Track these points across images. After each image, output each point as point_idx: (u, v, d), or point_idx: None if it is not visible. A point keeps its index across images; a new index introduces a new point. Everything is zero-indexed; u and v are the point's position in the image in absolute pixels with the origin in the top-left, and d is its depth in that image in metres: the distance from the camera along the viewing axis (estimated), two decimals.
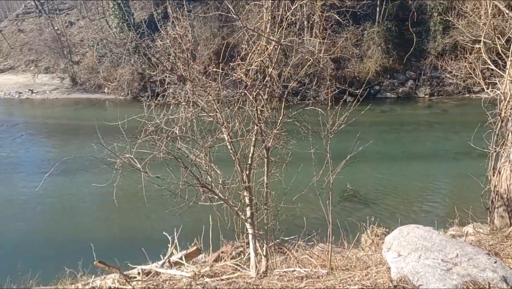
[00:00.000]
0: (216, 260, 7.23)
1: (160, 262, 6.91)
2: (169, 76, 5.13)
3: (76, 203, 13.25)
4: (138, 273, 6.56)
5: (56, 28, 34.11)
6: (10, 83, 33.11)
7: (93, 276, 6.66)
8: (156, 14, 29.62)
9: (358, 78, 25.65)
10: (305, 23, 20.79)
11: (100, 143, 4.82)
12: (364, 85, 5.95)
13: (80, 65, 32.02)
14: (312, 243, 7.19)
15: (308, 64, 5.39)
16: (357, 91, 5.40)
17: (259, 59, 4.90)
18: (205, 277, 5.99)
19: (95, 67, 30.58)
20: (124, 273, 6.34)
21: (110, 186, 5.09)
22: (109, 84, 29.87)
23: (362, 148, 5.59)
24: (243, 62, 5.07)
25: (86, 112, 26.60)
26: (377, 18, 27.79)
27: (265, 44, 5.00)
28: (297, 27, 5.48)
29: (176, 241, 7.19)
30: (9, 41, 40.00)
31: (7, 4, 52.06)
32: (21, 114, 27.05)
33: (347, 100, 5.45)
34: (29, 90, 31.10)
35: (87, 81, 30.76)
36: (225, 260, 7.02)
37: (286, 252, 6.94)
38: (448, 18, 17.65)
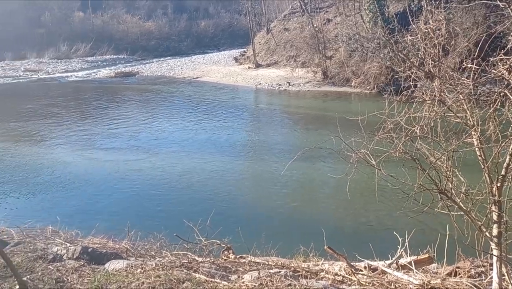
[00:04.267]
0: (449, 274, 6.57)
1: (388, 262, 6.76)
2: (415, 72, 4.89)
3: (313, 189, 14.36)
4: (365, 267, 6.62)
5: (315, 25, 37.15)
6: (272, 76, 38.20)
7: (323, 259, 7.06)
8: (412, 6, 28.40)
9: None
10: None
11: (338, 137, 5.07)
12: None
13: (332, 60, 34.03)
14: None
15: None
16: None
17: None
18: None
19: (345, 61, 31.94)
20: (351, 263, 6.52)
21: (344, 177, 5.29)
22: (356, 78, 30.73)
23: None
24: (507, 57, 4.33)
25: (332, 105, 28.21)
26: None
27: None
28: None
29: (406, 243, 6.88)
30: (276, 39, 46.03)
31: (279, 6, 60.00)
32: (278, 104, 30.85)
33: None
34: (287, 82, 35.08)
35: (337, 75, 32.47)
36: (461, 277, 6.30)
37: None
38: None
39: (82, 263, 4.68)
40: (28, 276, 4.06)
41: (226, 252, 7.35)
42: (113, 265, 4.72)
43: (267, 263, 6.43)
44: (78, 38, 63.40)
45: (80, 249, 5.14)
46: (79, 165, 17.36)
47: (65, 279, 4.10)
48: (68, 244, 6.71)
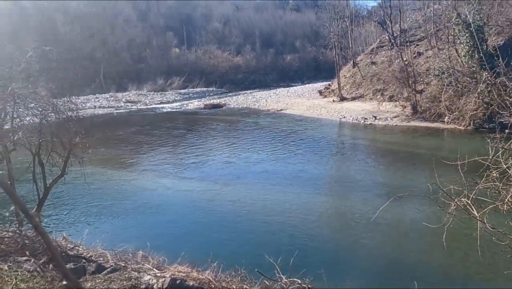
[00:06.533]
0: None
1: None
2: None
3: (403, 234, 13.18)
4: None
5: (404, 59, 36.04)
6: (358, 110, 37.48)
7: None
8: None
9: None
10: None
11: (435, 184, 4.71)
12: None
13: (423, 94, 32.54)
14: None
15: None
16: None
17: None
18: None
19: (438, 96, 30.31)
20: None
21: (438, 222, 4.89)
22: (450, 114, 28.93)
23: None
24: None
25: (422, 141, 26.71)
26: None
27: None
28: None
29: None
30: (362, 73, 45.41)
31: (366, 40, 59.49)
32: (363, 138, 29.96)
33: None
34: (373, 116, 34.11)
35: (428, 110, 30.88)
36: None
37: None
38: None
39: None
40: None
41: None
42: None
43: None
44: (173, 72, 68.50)
45: (169, 281, 5.35)
46: (161, 193, 18.16)
47: None
48: (157, 270, 7.03)
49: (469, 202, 4.41)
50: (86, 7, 70.37)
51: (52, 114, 8.77)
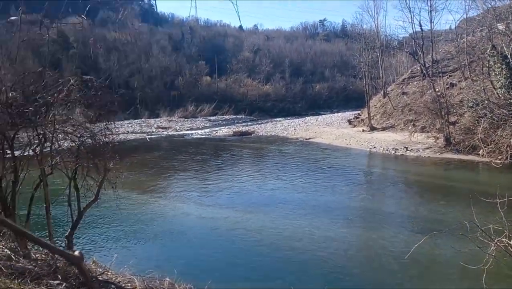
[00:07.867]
0: None
1: None
2: None
3: (439, 273, 12.55)
4: None
5: (437, 90, 35.52)
6: (388, 140, 36.89)
7: None
8: None
9: None
10: None
11: (473, 222, 4.52)
12: None
13: (456, 126, 31.78)
14: None
15: None
16: None
17: None
18: None
19: (472, 128, 29.53)
20: None
21: (476, 261, 4.66)
22: (486, 146, 28.04)
23: None
24: None
25: (456, 174, 25.89)
26: None
27: None
28: None
29: None
30: (393, 103, 44.94)
31: (397, 70, 59.16)
32: (394, 169, 29.29)
33: None
34: (404, 147, 33.45)
35: (462, 142, 30.06)
36: None
37: None
38: None
39: None
40: None
41: None
42: None
43: None
44: (204, 99, 69.87)
45: None
46: (187, 219, 18.11)
47: None
48: None
49: (510, 243, 4.21)
50: (124, 37, 73.51)
51: (89, 140, 9.08)
